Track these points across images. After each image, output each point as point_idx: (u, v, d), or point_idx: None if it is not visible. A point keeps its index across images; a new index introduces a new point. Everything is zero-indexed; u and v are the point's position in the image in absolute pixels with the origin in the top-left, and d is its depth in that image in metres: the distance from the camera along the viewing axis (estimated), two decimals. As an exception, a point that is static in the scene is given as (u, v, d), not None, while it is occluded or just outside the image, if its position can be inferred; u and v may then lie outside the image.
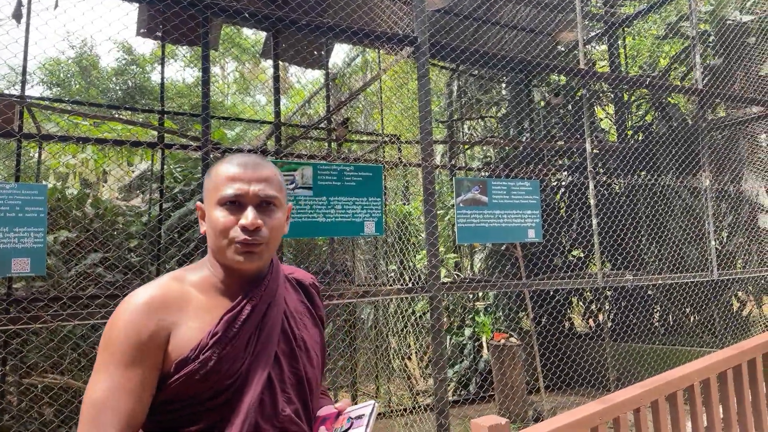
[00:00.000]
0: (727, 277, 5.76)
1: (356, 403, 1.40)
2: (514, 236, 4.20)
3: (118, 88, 15.71)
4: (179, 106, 16.43)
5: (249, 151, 5.08)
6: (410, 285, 3.36)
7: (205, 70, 3.01)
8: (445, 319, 7.72)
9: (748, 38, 6.69)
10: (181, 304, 1.26)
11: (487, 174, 8.01)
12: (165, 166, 6.42)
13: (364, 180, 3.47)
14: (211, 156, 3.02)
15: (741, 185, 6.57)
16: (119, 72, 16.04)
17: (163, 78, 6.02)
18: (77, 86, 15.25)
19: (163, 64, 5.98)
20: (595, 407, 2.56)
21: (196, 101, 17.47)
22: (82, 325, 5.60)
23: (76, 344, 5.65)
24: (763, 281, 6.83)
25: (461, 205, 3.96)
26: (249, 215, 1.27)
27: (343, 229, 3.41)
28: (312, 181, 3.31)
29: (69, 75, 15.43)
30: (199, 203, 1.38)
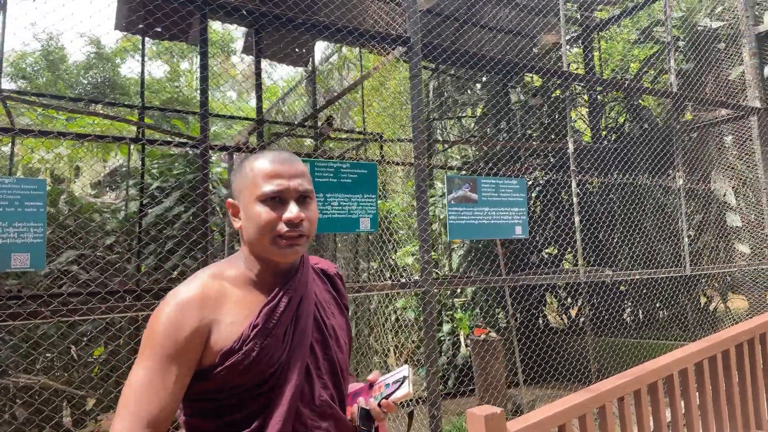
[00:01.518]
0: (699, 273, 6.01)
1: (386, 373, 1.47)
2: (503, 232, 4.32)
3: (86, 82, 15.32)
4: (149, 101, 16.13)
5: (238, 147, 5.07)
6: (403, 281, 3.42)
7: (203, 67, 3.00)
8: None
9: (718, 44, 6.99)
10: (220, 301, 1.31)
11: (465, 173, 8.13)
12: (143, 163, 6.34)
13: (359, 177, 3.53)
14: (206, 153, 3.02)
15: (710, 185, 6.85)
16: (88, 66, 15.64)
17: (143, 73, 5.94)
18: (44, 79, 14.82)
19: (143, 58, 5.90)
20: (582, 396, 2.66)
21: (166, 96, 17.18)
22: (61, 324, 5.49)
23: (51, 344, 5.54)
24: (729, 278, 7.13)
25: (452, 202, 4.05)
26: (293, 209, 1.33)
27: (340, 225, 3.47)
28: (309, 178, 3.34)
29: (36, 68, 14.98)
30: (230, 200, 1.41)
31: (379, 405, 1.39)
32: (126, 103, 11.42)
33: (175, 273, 6.77)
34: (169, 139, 5.66)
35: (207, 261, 3.14)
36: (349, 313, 1.63)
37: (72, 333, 5.81)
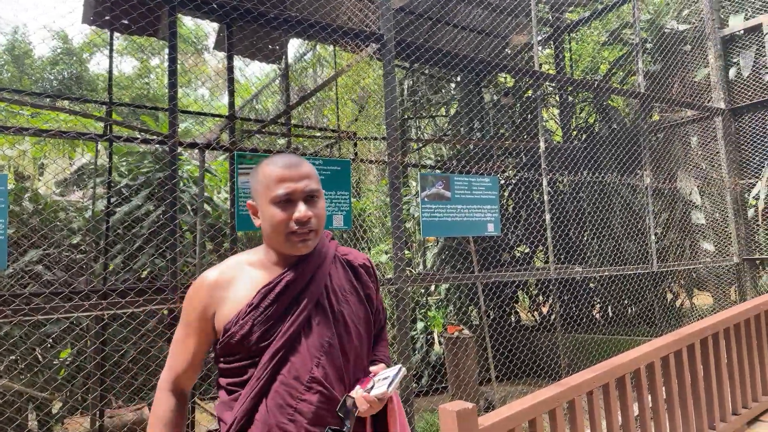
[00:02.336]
0: (665, 270, 6.16)
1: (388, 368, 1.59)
2: (475, 230, 4.35)
3: (53, 77, 14.90)
4: (119, 98, 15.79)
5: (208, 144, 4.99)
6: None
7: (172, 61, 2.94)
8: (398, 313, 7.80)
9: (684, 46, 7.16)
10: (232, 282, 1.54)
11: (440, 172, 8.17)
12: (110, 160, 6.18)
13: (332, 174, 3.52)
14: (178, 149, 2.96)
15: (676, 184, 7.02)
16: (54, 61, 15.22)
17: (111, 67, 5.78)
18: (9, 75, 14.36)
19: (111, 53, 5.75)
20: (552, 391, 2.70)
21: (136, 93, 16.85)
22: (23, 324, 5.34)
23: (14, 345, 5.38)
24: (694, 274, 7.31)
25: (426, 199, 4.07)
26: (302, 209, 1.50)
27: (312, 222, 3.43)
28: (281, 175, 3.31)
29: (0, 63, 14.51)
30: (249, 202, 1.62)
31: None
32: (94, 99, 11.14)
33: (145, 272, 6.65)
34: (137, 135, 5.54)
35: (175, 259, 3.09)
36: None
37: (35, 333, 5.65)
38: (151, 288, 3.01)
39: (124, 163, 7.71)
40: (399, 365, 1.53)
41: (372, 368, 1.60)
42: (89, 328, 5.56)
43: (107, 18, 5.29)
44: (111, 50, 5.77)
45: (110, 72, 5.81)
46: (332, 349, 1.53)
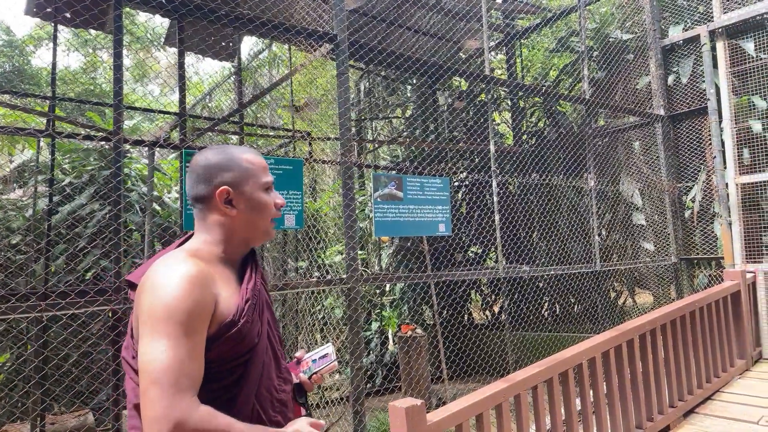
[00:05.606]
0: (608, 269, 6.41)
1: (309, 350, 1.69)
2: (427, 230, 4.42)
3: (-9, 70, 14.18)
4: (63, 93, 15.18)
5: (155, 142, 4.85)
6: (329, 277, 3.42)
7: (118, 55, 2.87)
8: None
9: (628, 55, 7.46)
10: (214, 276, 1.39)
11: (395, 173, 8.23)
12: (52, 157, 5.94)
13: (284, 173, 3.50)
14: (125, 147, 2.88)
15: (618, 186, 7.31)
16: (-7, 52, 14.48)
17: (54, 61, 5.55)
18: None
19: (55, 46, 5.52)
20: (498, 386, 2.77)
21: (81, 88, 16.22)
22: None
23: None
24: (636, 274, 7.62)
25: (378, 199, 4.10)
26: (280, 195, 1.60)
27: (263, 221, 3.40)
28: (231, 173, 3.27)
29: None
30: (226, 188, 1.47)
31: (309, 379, 1.60)
32: (36, 93, 10.67)
33: (89, 274, 6.42)
34: (81, 131, 5.35)
35: (119, 259, 3.01)
36: (276, 312, 1.82)
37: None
38: (93, 289, 2.92)
39: (68, 161, 7.43)
40: (328, 344, 1.66)
41: (296, 354, 1.68)
42: (28, 330, 5.33)
43: (50, 10, 5.09)
44: (55, 43, 5.54)
45: (54, 66, 5.58)
46: (281, 341, 1.60)
